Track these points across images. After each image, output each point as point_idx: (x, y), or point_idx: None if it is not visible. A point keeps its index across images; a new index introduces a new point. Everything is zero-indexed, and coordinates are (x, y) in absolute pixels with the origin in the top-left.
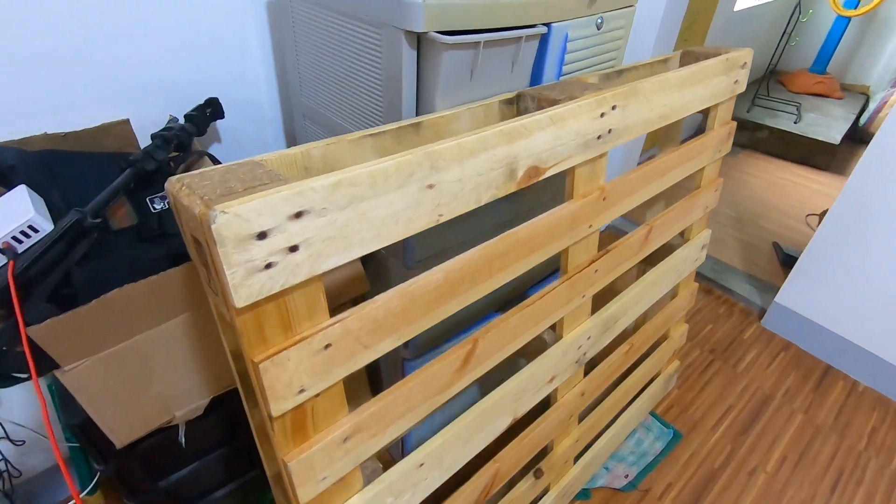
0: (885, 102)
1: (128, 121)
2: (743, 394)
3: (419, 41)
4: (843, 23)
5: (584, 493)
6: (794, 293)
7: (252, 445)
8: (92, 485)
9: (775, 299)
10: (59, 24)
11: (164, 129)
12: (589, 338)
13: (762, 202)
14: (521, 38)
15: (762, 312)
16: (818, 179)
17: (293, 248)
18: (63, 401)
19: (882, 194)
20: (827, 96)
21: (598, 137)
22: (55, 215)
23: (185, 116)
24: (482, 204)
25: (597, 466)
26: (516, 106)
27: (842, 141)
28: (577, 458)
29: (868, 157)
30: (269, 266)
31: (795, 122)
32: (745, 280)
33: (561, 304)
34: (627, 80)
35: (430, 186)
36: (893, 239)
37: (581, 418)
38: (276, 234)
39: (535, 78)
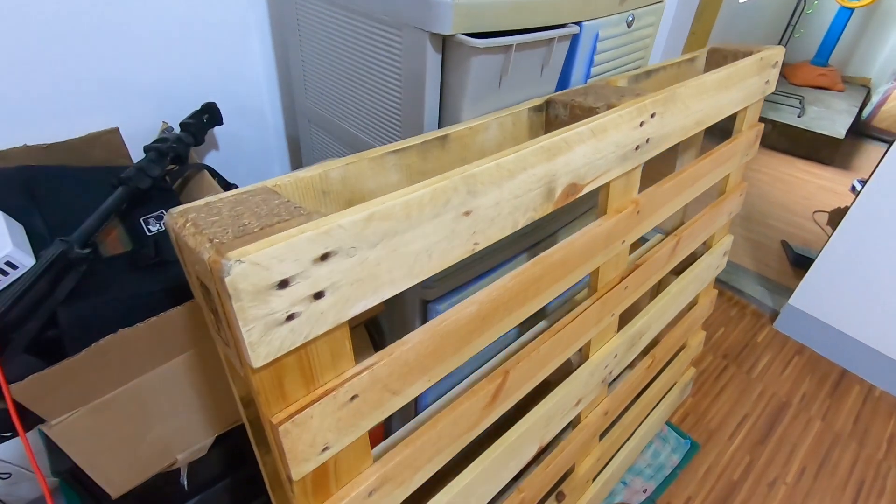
0: (889, 95)
1: (117, 130)
2: (759, 401)
3: (444, 44)
4: (845, 14)
5: None
6: (808, 295)
7: (256, 474)
8: None
9: (789, 301)
10: (40, 24)
11: (158, 141)
12: (615, 356)
13: (768, 199)
14: (553, 38)
15: (774, 314)
16: (823, 174)
17: (318, 295)
18: (50, 446)
19: None
20: (829, 89)
21: (636, 148)
22: (37, 244)
23: (181, 125)
24: (518, 228)
25: (615, 482)
26: (545, 113)
27: (846, 135)
28: (595, 476)
29: (890, 158)
30: (290, 318)
31: (799, 116)
32: (756, 281)
33: (591, 326)
34: (657, 81)
35: (467, 213)
36: None
37: (601, 435)
38: (300, 280)
39: (563, 81)
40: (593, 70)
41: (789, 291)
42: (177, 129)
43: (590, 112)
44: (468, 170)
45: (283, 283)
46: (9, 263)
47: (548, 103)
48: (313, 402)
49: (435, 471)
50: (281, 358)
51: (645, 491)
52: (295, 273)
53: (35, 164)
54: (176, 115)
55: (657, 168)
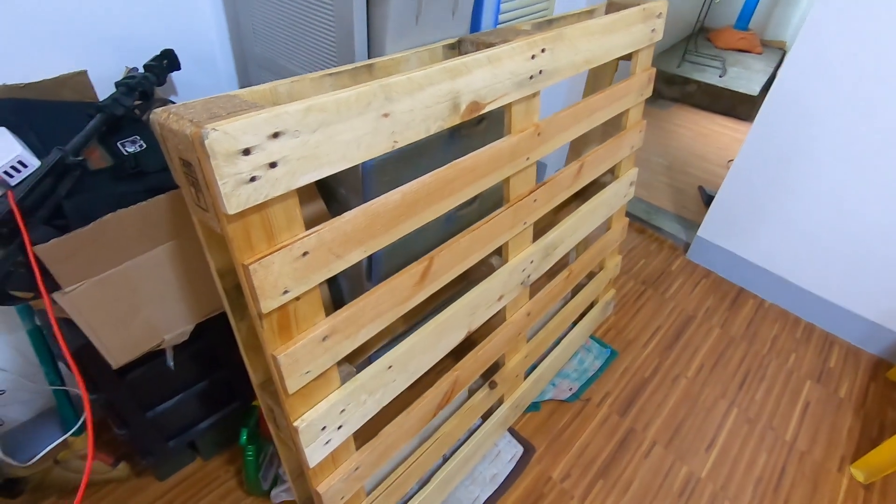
0: None
1: (85, 72)
2: (670, 315)
3: None
4: None
5: (535, 406)
6: (712, 227)
7: (231, 379)
8: (78, 425)
9: (698, 233)
10: None
11: (127, 78)
12: (532, 262)
13: (689, 151)
14: None
15: (687, 247)
16: (738, 129)
17: (273, 165)
18: (51, 336)
19: (782, 137)
20: (749, 51)
21: (531, 77)
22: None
23: (145, 66)
24: (431, 133)
25: (545, 382)
26: (458, 50)
27: (760, 92)
28: (527, 375)
29: (766, 108)
30: (253, 179)
31: (721, 76)
32: (674, 220)
33: (505, 229)
34: (557, 28)
35: (386, 115)
36: (792, 175)
37: (529, 338)
38: (258, 151)
39: (475, 26)
40: (501, 17)
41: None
42: (142, 71)
43: (491, 47)
44: (385, 80)
45: (247, 151)
46: (20, 163)
47: (459, 42)
48: (273, 252)
49: (376, 331)
50: (247, 213)
51: (571, 389)
52: (255, 144)
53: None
54: (136, 61)
55: (606, 131)
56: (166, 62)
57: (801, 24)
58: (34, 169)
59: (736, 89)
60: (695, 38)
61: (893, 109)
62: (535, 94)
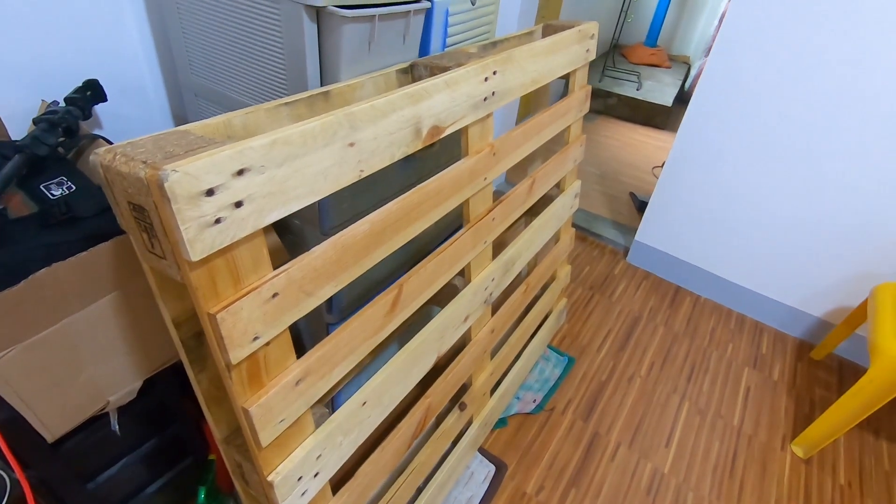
0: (702, 70)
1: None
2: (618, 318)
3: (318, 15)
4: (665, 1)
5: (502, 422)
6: (648, 231)
7: (182, 434)
8: None
9: (635, 238)
10: None
11: (48, 113)
12: (493, 280)
13: (618, 160)
14: (409, 11)
15: (626, 251)
16: (658, 137)
17: (238, 204)
18: None
19: (701, 145)
20: (659, 66)
21: (485, 99)
22: None
23: (66, 99)
24: (396, 160)
25: (510, 397)
26: (411, 74)
27: (673, 103)
28: (493, 391)
29: (687, 119)
30: (218, 221)
31: (637, 90)
32: (612, 226)
33: (468, 250)
34: (502, 50)
35: (351, 144)
36: (715, 179)
37: (493, 354)
38: (223, 190)
39: (424, 50)
40: (448, 41)
41: (636, 231)
42: (63, 105)
43: (445, 70)
44: (349, 109)
45: (210, 192)
46: None
47: (412, 66)
48: (241, 297)
49: (350, 367)
50: (212, 258)
51: (535, 401)
52: (219, 184)
53: None
54: (55, 94)
55: (547, 146)
56: (90, 93)
57: (702, 40)
58: None
59: (652, 101)
60: (611, 54)
61: (800, 115)
62: (488, 115)
